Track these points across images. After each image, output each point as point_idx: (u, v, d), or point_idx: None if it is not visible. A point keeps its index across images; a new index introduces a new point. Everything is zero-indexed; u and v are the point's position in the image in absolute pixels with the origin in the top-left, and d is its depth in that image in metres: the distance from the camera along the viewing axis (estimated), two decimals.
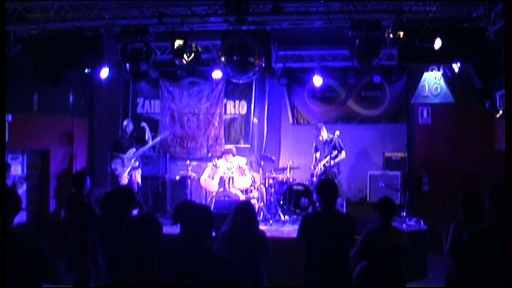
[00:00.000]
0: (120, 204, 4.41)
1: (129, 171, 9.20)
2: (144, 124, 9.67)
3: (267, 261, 4.67)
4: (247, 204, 4.83)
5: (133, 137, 9.48)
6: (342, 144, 9.18)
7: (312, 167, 9.38)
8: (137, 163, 9.30)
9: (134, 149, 9.28)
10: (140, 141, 9.50)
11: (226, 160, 9.27)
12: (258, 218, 8.55)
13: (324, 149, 9.21)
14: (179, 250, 3.36)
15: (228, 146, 9.72)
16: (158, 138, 9.55)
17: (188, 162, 9.65)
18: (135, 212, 4.87)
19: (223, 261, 3.38)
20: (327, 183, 4.98)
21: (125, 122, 9.60)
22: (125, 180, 9.15)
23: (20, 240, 3.29)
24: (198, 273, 3.21)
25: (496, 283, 3.30)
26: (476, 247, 3.40)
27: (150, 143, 9.52)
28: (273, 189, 9.25)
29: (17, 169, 9.17)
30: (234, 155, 9.39)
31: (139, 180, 9.37)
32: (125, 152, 9.24)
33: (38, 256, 3.29)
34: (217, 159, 9.48)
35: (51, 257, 3.35)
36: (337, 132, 9.13)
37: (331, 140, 9.15)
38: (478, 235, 3.49)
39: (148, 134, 9.55)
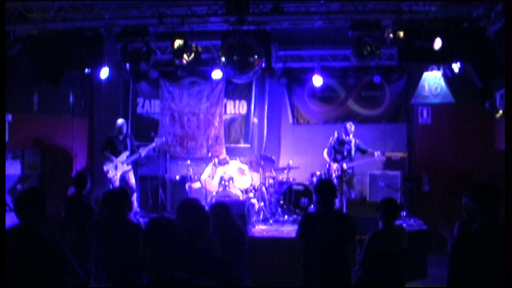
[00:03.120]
0: (115, 206, 4.42)
1: (122, 174, 9.13)
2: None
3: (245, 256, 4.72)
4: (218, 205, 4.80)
5: (126, 138, 9.26)
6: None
7: (328, 165, 9.01)
8: (129, 167, 9.15)
9: (128, 153, 9.13)
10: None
11: (225, 170, 9.24)
12: (256, 217, 8.60)
13: (345, 150, 8.99)
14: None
15: (222, 156, 9.65)
16: (153, 145, 9.28)
17: (189, 162, 9.65)
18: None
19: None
20: (325, 184, 4.97)
21: (120, 122, 9.31)
22: (117, 182, 9.03)
23: (47, 244, 3.27)
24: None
25: None
26: (464, 254, 3.30)
27: (150, 146, 9.32)
28: (273, 189, 9.25)
29: (17, 169, 9.18)
30: (228, 163, 9.35)
31: (133, 181, 9.29)
32: (117, 154, 9.08)
33: (63, 261, 3.27)
34: (218, 162, 9.42)
35: (75, 263, 3.35)
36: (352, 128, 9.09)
37: (355, 141, 9.08)
38: (464, 242, 3.38)
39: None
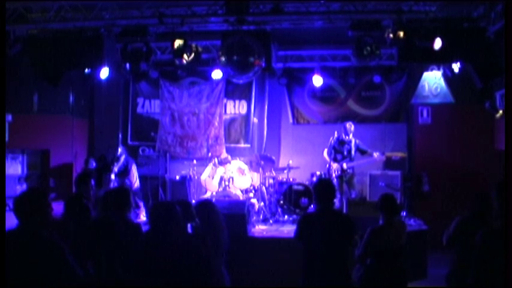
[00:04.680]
0: (114, 206, 4.42)
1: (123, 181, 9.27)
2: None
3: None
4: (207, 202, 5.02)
5: (101, 168, 9.38)
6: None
7: (328, 165, 9.01)
8: (113, 176, 9.22)
9: (116, 170, 9.27)
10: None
11: (225, 169, 9.24)
12: (256, 217, 8.60)
13: (345, 149, 9.00)
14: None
15: (223, 155, 9.67)
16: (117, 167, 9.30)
17: (195, 162, 9.66)
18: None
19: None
20: (324, 183, 4.96)
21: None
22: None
23: (47, 245, 3.27)
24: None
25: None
26: (489, 249, 3.34)
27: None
28: (273, 189, 9.25)
29: (17, 169, 9.18)
30: (229, 163, 9.35)
31: (134, 180, 9.36)
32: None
33: (62, 262, 3.27)
34: (218, 163, 9.43)
35: (75, 263, 3.35)
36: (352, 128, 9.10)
37: (355, 141, 9.08)
38: (492, 237, 3.41)
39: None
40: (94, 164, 9.52)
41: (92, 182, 6.06)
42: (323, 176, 9.14)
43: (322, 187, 4.75)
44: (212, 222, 4.75)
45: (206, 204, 4.99)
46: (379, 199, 4.89)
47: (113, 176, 9.18)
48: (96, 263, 4.20)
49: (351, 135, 9.04)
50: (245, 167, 9.36)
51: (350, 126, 9.07)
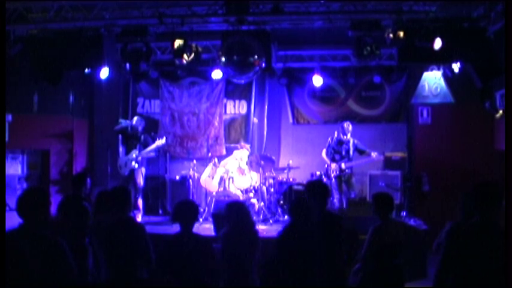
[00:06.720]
0: (115, 205, 4.41)
1: (130, 172, 9.13)
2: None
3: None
4: (240, 204, 4.93)
5: (140, 137, 9.18)
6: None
7: (326, 165, 9.07)
8: (137, 165, 9.09)
9: (136, 152, 9.15)
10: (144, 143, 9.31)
11: (225, 169, 9.21)
12: (256, 217, 8.59)
13: (343, 149, 9.03)
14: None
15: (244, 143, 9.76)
16: (154, 146, 9.16)
17: (195, 162, 9.64)
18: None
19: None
20: (317, 184, 4.97)
21: (135, 120, 9.32)
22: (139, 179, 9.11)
23: (48, 245, 3.27)
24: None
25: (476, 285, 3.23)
26: (455, 247, 3.32)
27: (151, 147, 9.21)
28: (273, 189, 9.25)
29: (17, 169, 9.18)
30: (248, 150, 9.43)
31: (140, 181, 9.25)
32: (128, 151, 9.16)
33: (63, 261, 3.27)
34: (218, 160, 9.42)
35: (74, 262, 3.36)
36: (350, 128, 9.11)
37: (353, 141, 9.09)
38: (457, 235, 3.40)
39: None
40: (142, 125, 9.29)
41: (89, 181, 6.05)
42: (323, 176, 9.15)
43: (315, 188, 4.75)
44: None
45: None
46: (372, 198, 4.91)
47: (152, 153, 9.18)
48: (113, 265, 4.21)
49: (348, 135, 9.05)
50: (245, 167, 9.36)
51: (348, 126, 9.08)
